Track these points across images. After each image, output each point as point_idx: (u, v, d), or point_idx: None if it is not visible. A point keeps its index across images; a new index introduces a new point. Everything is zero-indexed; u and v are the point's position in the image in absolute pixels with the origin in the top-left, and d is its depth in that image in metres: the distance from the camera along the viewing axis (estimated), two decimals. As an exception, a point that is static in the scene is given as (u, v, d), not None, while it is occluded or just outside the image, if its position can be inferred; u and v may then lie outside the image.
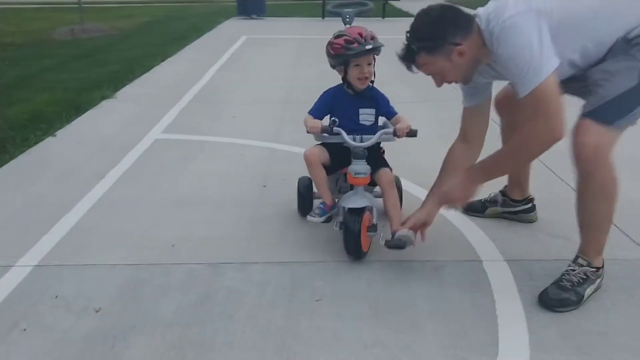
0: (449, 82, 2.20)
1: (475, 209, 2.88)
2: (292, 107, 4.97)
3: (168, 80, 6.33)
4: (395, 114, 2.61)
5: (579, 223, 2.13)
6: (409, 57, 2.13)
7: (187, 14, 14.97)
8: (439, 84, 2.21)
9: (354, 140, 2.43)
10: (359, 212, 2.36)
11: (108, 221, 2.87)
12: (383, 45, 2.43)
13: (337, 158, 2.53)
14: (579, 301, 2.11)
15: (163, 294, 2.24)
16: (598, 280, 2.17)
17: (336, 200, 2.58)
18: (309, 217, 2.51)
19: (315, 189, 2.71)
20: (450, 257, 2.50)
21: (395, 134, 2.46)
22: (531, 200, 2.82)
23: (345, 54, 2.40)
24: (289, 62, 7.31)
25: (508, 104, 2.51)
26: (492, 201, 2.86)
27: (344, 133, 2.42)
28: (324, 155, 2.52)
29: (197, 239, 2.67)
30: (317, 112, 2.54)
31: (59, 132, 4.34)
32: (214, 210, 2.99)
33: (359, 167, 2.40)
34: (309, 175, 2.67)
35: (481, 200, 2.87)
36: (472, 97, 2.40)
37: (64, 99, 5.26)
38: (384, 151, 2.68)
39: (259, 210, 2.98)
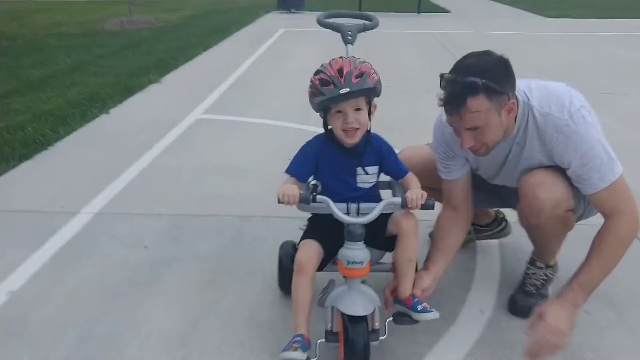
0: (482, 144, 1.83)
1: None
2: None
3: (209, 68, 6.84)
4: (406, 172, 1.92)
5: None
6: (462, 96, 1.71)
7: (229, 7, 15.54)
8: (470, 143, 1.82)
9: (348, 212, 1.77)
10: (362, 319, 1.72)
11: (154, 182, 3.37)
12: (374, 88, 1.74)
13: (332, 238, 1.81)
14: (546, 298, 2.16)
15: (199, 236, 2.71)
16: (555, 275, 2.22)
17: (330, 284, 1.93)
18: (284, 355, 1.69)
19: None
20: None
21: (404, 205, 1.75)
22: (502, 218, 2.61)
23: (318, 98, 1.74)
24: (321, 53, 7.72)
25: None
26: None
27: (331, 203, 1.71)
28: (320, 254, 1.83)
29: (229, 197, 3.13)
30: (297, 171, 1.85)
31: (112, 111, 4.89)
32: (244, 176, 3.45)
33: (355, 254, 1.72)
34: (293, 241, 2.14)
35: None
36: (453, 172, 2.09)
37: (116, 83, 5.82)
38: None
39: (281, 176, 3.41)
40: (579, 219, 2.06)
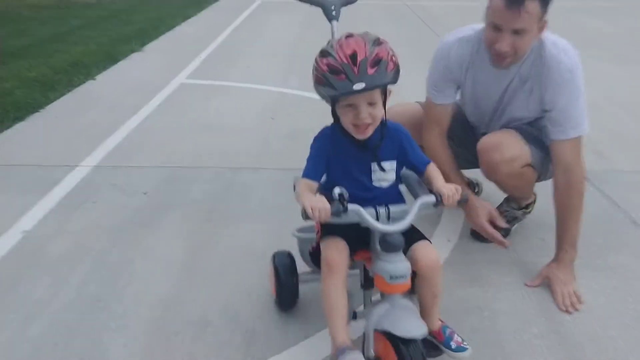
0: (514, 51, 2.00)
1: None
2: (299, 60, 5.60)
3: (190, 37, 6.97)
4: (428, 162, 1.69)
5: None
6: None
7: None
8: (507, 47, 1.97)
9: (378, 216, 1.56)
10: (417, 341, 1.49)
11: (146, 139, 3.58)
12: (391, 83, 1.50)
13: (350, 234, 1.62)
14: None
15: (194, 185, 2.94)
16: (524, 217, 2.49)
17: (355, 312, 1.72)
18: None
19: (300, 269, 1.95)
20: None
21: (438, 202, 1.55)
22: (475, 184, 2.80)
23: (325, 90, 1.49)
24: (298, 23, 7.90)
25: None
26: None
27: (363, 212, 1.50)
28: (348, 252, 1.60)
29: (219, 151, 3.36)
30: (315, 172, 1.62)
31: (98, 77, 5.04)
32: (232, 133, 3.68)
33: (398, 267, 1.50)
34: (287, 251, 1.99)
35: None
36: (447, 96, 2.28)
37: (99, 51, 5.94)
38: None
39: (268, 134, 3.67)
40: (539, 179, 2.30)
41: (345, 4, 2.21)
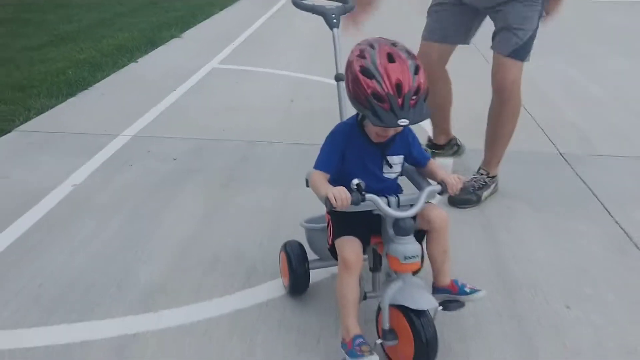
0: None
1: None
2: (322, 48, 5.95)
3: (225, 25, 7.46)
4: (428, 158, 1.88)
5: (490, 139, 2.83)
6: None
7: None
8: None
9: (390, 204, 1.72)
10: (427, 313, 1.68)
11: (178, 115, 4.06)
12: (425, 117, 1.64)
13: (361, 230, 1.77)
14: (478, 201, 2.78)
15: (216, 155, 3.40)
16: (493, 185, 2.86)
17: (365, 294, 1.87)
18: None
19: (310, 256, 2.08)
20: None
21: (443, 191, 1.75)
22: (455, 143, 3.22)
23: (364, 112, 1.64)
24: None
25: None
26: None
27: (379, 201, 1.67)
28: (361, 252, 1.74)
29: (241, 127, 3.81)
30: (326, 164, 1.76)
31: (140, 60, 5.57)
32: (254, 112, 4.13)
33: (411, 248, 1.67)
34: (296, 240, 2.11)
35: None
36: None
37: (141, 37, 6.47)
38: None
39: (285, 114, 4.11)
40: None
41: (344, 13, 2.26)
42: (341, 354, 1.69)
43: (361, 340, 1.67)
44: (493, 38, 2.71)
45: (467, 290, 1.86)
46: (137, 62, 5.50)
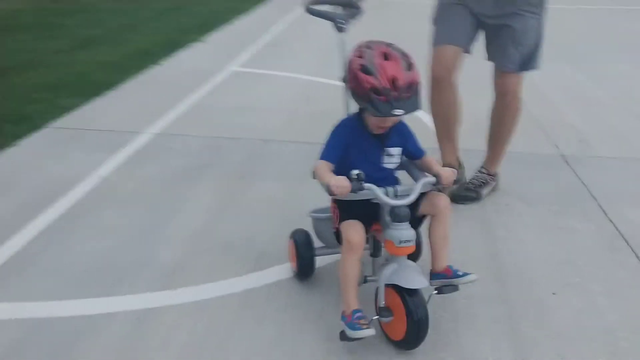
0: None
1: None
2: (332, 52, 6.18)
3: (244, 30, 7.70)
4: (424, 153, 2.05)
5: (491, 140, 2.98)
6: None
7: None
8: None
9: (388, 195, 1.86)
10: (419, 292, 1.84)
11: (198, 115, 4.29)
12: (418, 109, 1.83)
13: (363, 218, 1.92)
14: (478, 198, 2.93)
15: (232, 151, 3.61)
16: (494, 184, 3.01)
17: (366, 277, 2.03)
18: (356, 334, 1.80)
19: (316, 244, 2.25)
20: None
21: (437, 183, 1.91)
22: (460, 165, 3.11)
23: (364, 105, 1.84)
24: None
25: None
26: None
27: (377, 190, 1.82)
28: (364, 234, 1.90)
29: (256, 127, 4.02)
30: (331, 155, 1.92)
31: (163, 63, 5.82)
32: (268, 113, 4.34)
33: (405, 233, 1.82)
34: (304, 229, 2.28)
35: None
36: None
37: (164, 41, 6.73)
38: None
39: (297, 114, 4.32)
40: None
41: (353, 17, 2.38)
42: (341, 326, 1.86)
43: (360, 314, 1.83)
44: (493, 51, 2.80)
45: (460, 273, 2.00)
46: (160, 64, 5.75)
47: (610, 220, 2.79)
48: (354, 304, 1.87)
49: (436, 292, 1.97)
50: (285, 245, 2.37)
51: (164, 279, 2.31)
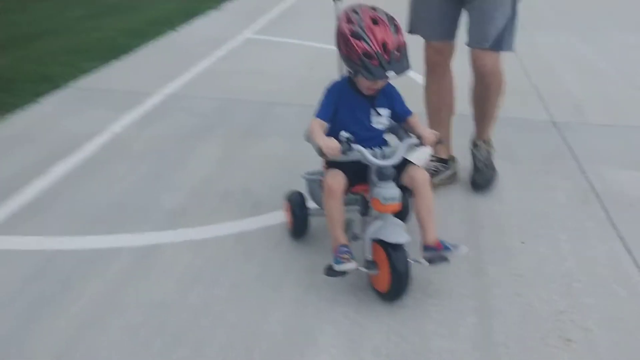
0: None
1: None
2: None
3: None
4: (410, 113, 2.14)
5: (480, 115, 2.83)
6: None
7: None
8: None
9: (376, 156, 1.97)
10: (403, 246, 1.95)
11: (209, 78, 4.51)
12: (408, 69, 1.95)
13: (348, 171, 2.04)
14: (495, 171, 2.85)
15: (239, 112, 3.83)
16: (493, 149, 2.93)
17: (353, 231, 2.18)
18: (340, 267, 1.93)
19: (310, 205, 2.36)
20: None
21: (420, 143, 2.03)
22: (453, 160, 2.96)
23: (357, 69, 1.94)
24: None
25: None
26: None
27: (364, 151, 1.93)
28: (345, 181, 2.02)
29: (262, 90, 4.23)
30: (325, 114, 2.06)
31: (179, 29, 6.04)
32: (276, 77, 4.55)
33: (390, 192, 1.93)
34: (299, 191, 2.40)
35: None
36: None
37: (181, 8, 6.95)
38: None
39: (303, 79, 4.50)
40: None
41: None
42: (329, 261, 1.99)
43: (345, 249, 1.97)
44: (468, 30, 2.65)
45: (450, 247, 2.01)
46: (176, 31, 5.97)
47: (587, 179, 2.95)
48: (341, 239, 2.01)
49: (428, 264, 2.01)
50: (279, 196, 2.58)
51: (167, 221, 2.56)
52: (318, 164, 2.32)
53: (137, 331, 1.92)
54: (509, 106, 3.17)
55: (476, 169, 2.88)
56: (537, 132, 3.56)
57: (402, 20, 2.57)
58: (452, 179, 2.91)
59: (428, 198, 2.03)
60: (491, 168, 2.89)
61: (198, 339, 1.88)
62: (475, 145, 2.95)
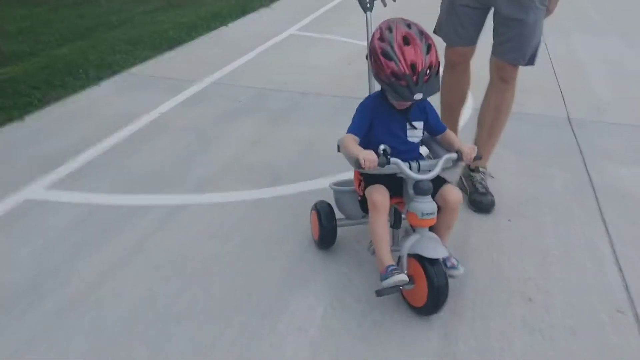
0: None
1: None
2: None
3: (311, -1, 8.23)
4: (445, 128, 2.15)
5: (487, 137, 2.82)
6: None
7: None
8: None
9: (411, 169, 1.96)
10: (440, 261, 1.95)
11: (251, 69, 4.89)
12: (436, 91, 1.93)
13: (386, 185, 2.02)
14: (493, 199, 2.74)
15: (274, 100, 4.18)
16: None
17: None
18: (389, 282, 1.91)
19: (338, 215, 2.34)
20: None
21: (459, 159, 1.99)
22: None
23: (385, 87, 1.94)
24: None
25: None
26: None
27: (402, 164, 1.92)
28: (388, 197, 1.99)
29: (298, 82, 4.57)
30: (358, 129, 2.04)
31: (230, 24, 6.48)
32: (313, 71, 4.87)
33: (427, 206, 1.92)
34: (327, 201, 2.38)
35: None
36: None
37: (234, 5, 7.39)
38: None
39: (339, 74, 4.80)
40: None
41: None
42: (379, 285, 1.95)
43: (393, 267, 1.94)
44: (502, 42, 2.63)
45: (448, 265, 2.04)
46: (227, 26, 6.41)
47: (587, 171, 3.12)
48: (387, 260, 1.96)
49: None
50: (298, 173, 2.87)
51: (196, 187, 2.94)
52: (337, 155, 2.16)
53: (157, 270, 2.29)
54: (531, 103, 3.35)
55: (478, 191, 2.79)
56: (551, 128, 3.73)
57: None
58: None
59: (453, 218, 2.05)
60: (490, 193, 2.79)
61: (207, 281, 2.23)
62: (476, 170, 2.88)
